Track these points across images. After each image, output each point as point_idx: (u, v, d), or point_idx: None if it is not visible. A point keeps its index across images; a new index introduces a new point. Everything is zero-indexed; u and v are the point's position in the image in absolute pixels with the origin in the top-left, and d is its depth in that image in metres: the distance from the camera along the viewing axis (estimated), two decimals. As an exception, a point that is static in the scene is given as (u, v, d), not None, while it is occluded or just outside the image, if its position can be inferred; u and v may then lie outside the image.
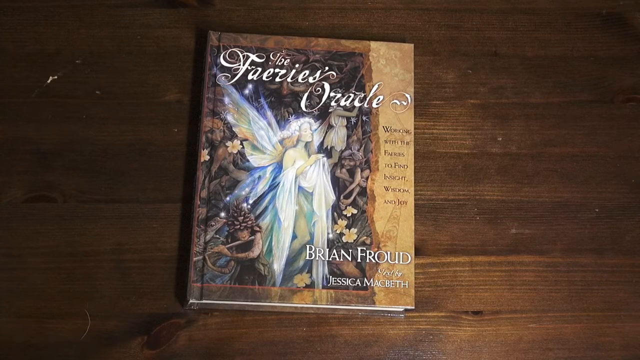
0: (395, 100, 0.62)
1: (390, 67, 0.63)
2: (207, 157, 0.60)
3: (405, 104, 0.62)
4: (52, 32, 0.66)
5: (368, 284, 0.58)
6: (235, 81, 0.62)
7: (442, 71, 0.65)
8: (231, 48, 0.63)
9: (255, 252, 0.58)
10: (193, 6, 0.67)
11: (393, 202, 0.60)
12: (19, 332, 0.58)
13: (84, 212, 0.61)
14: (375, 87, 0.62)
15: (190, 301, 0.57)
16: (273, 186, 0.60)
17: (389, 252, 0.59)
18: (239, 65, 0.63)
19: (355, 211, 0.59)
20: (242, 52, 0.63)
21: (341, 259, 0.58)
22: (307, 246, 0.58)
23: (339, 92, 0.62)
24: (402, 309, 0.58)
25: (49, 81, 0.64)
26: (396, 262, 0.58)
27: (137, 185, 0.61)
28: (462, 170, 0.62)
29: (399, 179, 0.60)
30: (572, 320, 0.59)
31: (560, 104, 0.64)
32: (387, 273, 0.58)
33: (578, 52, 0.66)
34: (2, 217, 0.60)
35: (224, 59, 0.63)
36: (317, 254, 0.58)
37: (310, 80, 0.62)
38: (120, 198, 0.61)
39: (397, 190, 0.60)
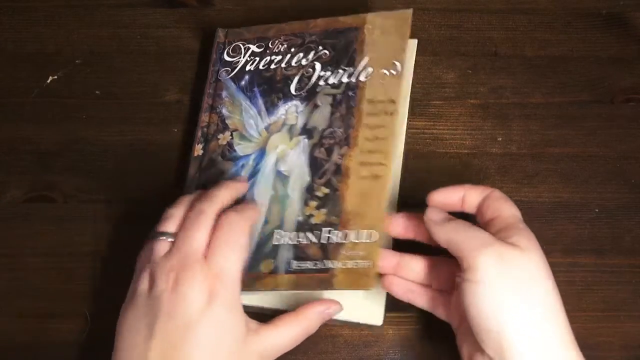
0: (384, 70, 0.57)
1: (385, 37, 0.58)
2: (201, 152, 0.59)
3: (394, 72, 0.57)
4: (52, 32, 0.66)
5: (329, 266, 0.53)
6: (234, 74, 0.62)
7: (442, 71, 0.65)
8: (235, 42, 0.63)
9: None
10: (193, 6, 0.67)
11: (367, 178, 0.55)
12: (19, 332, 0.58)
13: (84, 212, 0.61)
14: (366, 59, 0.58)
15: None
16: (254, 173, 0.58)
17: (355, 231, 0.53)
18: (240, 58, 0.62)
19: (327, 191, 0.55)
20: (244, 45, 0.62)
21: (306, 242, 0.54)
22: (275, 231, 0.55)
23: (328, 70, 0.59)
24: (380, 320, 0.56)
25: (48, 81, 0.64)
26: (362, 240, 0.53)
27: (137, 185, 0.61)
28: (462, 170, 0.62)
29: (376, 152, 0.55)
30: (571, 320, 0.59)
31: (560, 104, 0.64)
32: (350, 253, 0.53)
33: (578, 52, 0.66)
34: (2, 217, 0.60)
35: (227, 54, 0.62)
36: (284, 238, 0.55)
37: (303, 62, 0.60)
38: (121, 198, 0.61)
39: (373, 164, 0.55)
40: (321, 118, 0.58)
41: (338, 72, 0.59)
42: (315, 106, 0.58)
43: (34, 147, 0.62)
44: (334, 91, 0.58)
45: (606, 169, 0.62)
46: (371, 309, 0.56)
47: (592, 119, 0.64)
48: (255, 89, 0.61)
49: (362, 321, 0.56)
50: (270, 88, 0.60)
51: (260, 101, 0.60)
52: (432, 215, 0.52)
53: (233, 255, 0.49)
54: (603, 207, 0.61)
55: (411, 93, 0.63)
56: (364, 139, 0.56)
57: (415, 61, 0.64)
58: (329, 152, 0.56)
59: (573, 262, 0.60)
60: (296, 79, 0.60)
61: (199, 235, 0.49)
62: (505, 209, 0.52)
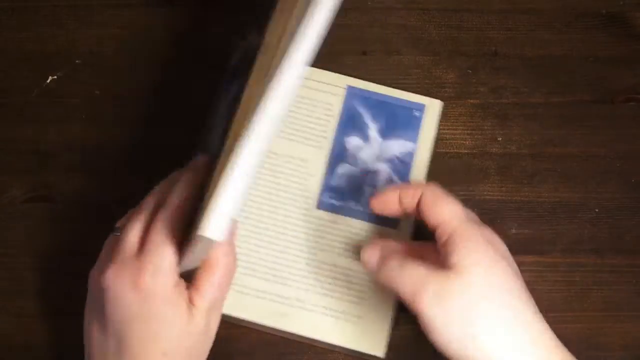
0: None
1: None
2: None
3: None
4: (52, 32, 0.66)
5: None
6: None
7: (442, 71, 0.65)
8: None
9: None
10: (193, 6, 0.67)
11: None
12: (19, 332, 0.58)
13: (83, 212, 0.61)
14: None
15: None
16: None
17: None
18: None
19: None
20: None
21: None
22: None
23: None
24: (382, 352, 0.57)
25: (48, 81, 0.64)
26: None
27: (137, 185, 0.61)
28: (462, 170, 0.62)
29: None
30: (572, 320, 0.59)
31: (560, 104, 0.64)
32: None
33: (578, 52, 0.66)
34: (2, 217, 0.60)
35: None
36: None
37: None
38: (121, 198, 0.61)
39: None
40: None
41: None
42: None
43: (34, 147, 0.62)
44: None
45: (606, 169, 0.62)
46: (374, 339, 0.57)
47: (592, 119, 0.64)
48: None
49: (364, 351, 0.56)
50: None
51: None
52: (365, 257, 0.52)
53: (163, 247, 0.48)
54: (603, 207, 0.61)
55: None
56: None
57: (415, 61, 0.64)
58: None
59: (573, 262, 0.60)
60: None
61: (133, 231, 0.49)
62: (444, 212, 0.50)
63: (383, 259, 0.51)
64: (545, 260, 0.60)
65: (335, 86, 0.62)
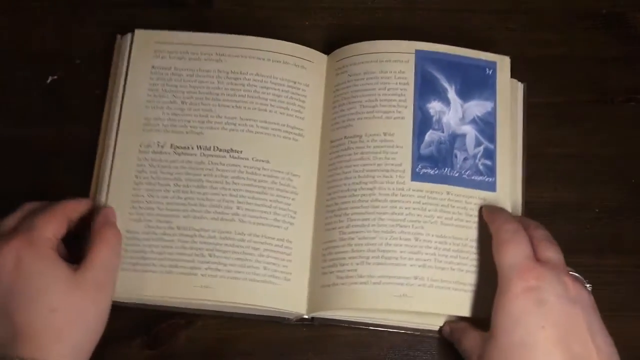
0: None
1: None
2: None
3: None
4: (52, 32, 0.66)
5: None
6: None
7: (442, 71, 0.65)
8: None
9: None
10: (192, 6, 0.67)
11: None
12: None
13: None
14: None
15: None
16: None
17: None
18: None
19: None
20: None
21: None
22: None
23: None
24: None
25: (48, 81, 0.64)
26: None
27: (137, 185, 0.61)
28: (462, 170, 0.62)
29: None
30: (572, 320, 0.59)
31: (560, 104, 0.64)
32: None
33: (578, 52, 0.66)
34: (2, 217, 0.60)
35: None
36: None
37: None
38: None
39: None
40: None
41: None
42: None
43: (34, 147, 0.62)
44: None
45: (606, 169, 0.62)
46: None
47: (592, 119, 0.64)
48: None
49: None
50: None
51: None
52: (444, 330, 0.57)
53: (39, 219, 0.51)
54: (603, 207, 0.61)
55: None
56: None
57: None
58: None
59: (573, 262, 0.60)
60: None
61: (10, 217, 0.53)
62: (498, 256, 0.52)
63: (451, 329, 0.56)
64: (546, 260, 0.60)
65: (404, 53, 0.60)
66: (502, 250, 0.51)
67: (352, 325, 0.58)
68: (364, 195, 0.57)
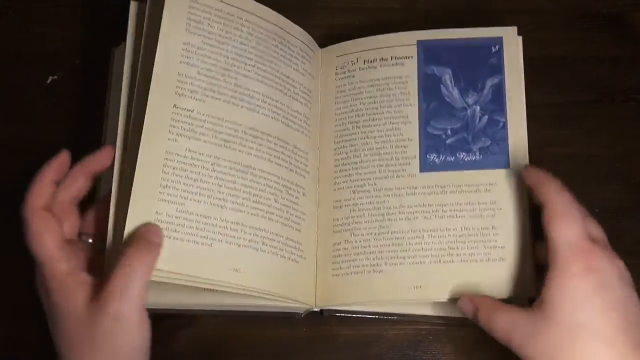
0: None
1: None
2: None
3: None
4: (52, 32, 0.66)
5: None
6: None
7: (442, 71, 0.65)
8: None
9: None
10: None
11: None
12: (19, 332, 0.58)
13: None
14: None
15: None
16: None
17: None
18: None
19: None
20: None
21: None
22: None
23: None
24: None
25: (48, 81, 0.64)
26: None
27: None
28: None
29: None
30: (572, 320, 0.59)
31: (560, 104, 0.64)
32: None
33: (578, 52, 0.66)
34: (2, 218, 0.60)
35: None
36: None
37: None
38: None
39: None
40: None
41: None
42: None
43: (34, 147, 0.62)
44: None
45: (606, 169, 0.62)
46: (521, 282, 0.54)
47: (592, 119, 0.64)
48: None
49: (513, 295, 0.54)
50: None
51: None
52: (462, 307, 0.53)
53: (42, 238, 0.50)
54: (603, 207, 0.61)
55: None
56: None
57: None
58: None
59: (573, 262, 0.60)
60: None
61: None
62: (554, 231, 0.49)
63: (477, 307, 0.51)
64: (545, 260, 0.60)
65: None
66: (558, 225, 0.49)
67: (360, 315, 0.58)
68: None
